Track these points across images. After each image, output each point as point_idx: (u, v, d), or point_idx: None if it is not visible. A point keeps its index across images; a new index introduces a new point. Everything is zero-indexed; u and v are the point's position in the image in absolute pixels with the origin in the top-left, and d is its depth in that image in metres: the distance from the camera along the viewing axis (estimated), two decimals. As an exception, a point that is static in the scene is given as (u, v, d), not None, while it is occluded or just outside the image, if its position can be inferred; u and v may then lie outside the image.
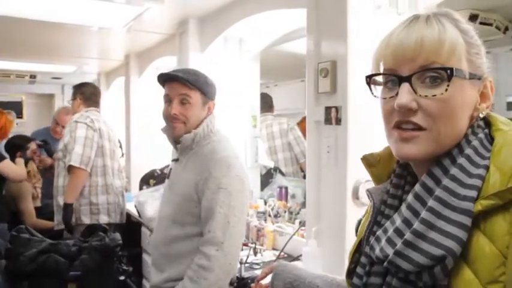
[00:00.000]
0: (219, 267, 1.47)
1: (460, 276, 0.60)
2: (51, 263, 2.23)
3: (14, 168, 3.03)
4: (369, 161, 0.80)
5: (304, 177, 3.05)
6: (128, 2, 2.54)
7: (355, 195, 1.64)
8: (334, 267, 1.65)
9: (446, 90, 0.63)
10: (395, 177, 0.75)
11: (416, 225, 0.63)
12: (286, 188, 2.64)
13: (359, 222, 0.88)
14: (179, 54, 3.00)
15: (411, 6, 1.72)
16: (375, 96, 0.71)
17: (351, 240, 1.59)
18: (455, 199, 0.62)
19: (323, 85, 1.73)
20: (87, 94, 3.04)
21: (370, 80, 0.71)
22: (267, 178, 2.95)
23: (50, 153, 3.53)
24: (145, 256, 3.11)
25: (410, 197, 0.67)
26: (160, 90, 1.68)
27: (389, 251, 0.64)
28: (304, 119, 3.36)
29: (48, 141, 3.67)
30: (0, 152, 3.06)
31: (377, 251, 0.67)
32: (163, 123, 1.69)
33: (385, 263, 0.65)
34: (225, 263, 1.48)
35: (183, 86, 1.59)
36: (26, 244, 2.28)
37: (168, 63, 3.47)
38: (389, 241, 0.66)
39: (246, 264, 1.97)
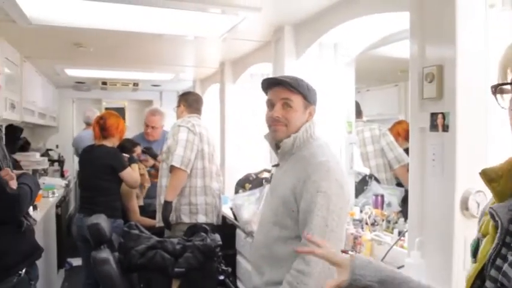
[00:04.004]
0: (318, 272, 1.44)
1: None
2: (158, 259, 2.38)
3: (134, 177, 3.26)
4: (490, 176, 0.73)
5: (398, 184, 2.95)
6: (224, 11, 2.56)
7: (464, 206, 1.55)
8: (439, 281, 1.57)
9: None
10: None
11: None
12: (382, 196, 2.57)
13: (476, 243, 0.78)
14: (274, 61, 3.04)
15: (528, 3, 1.60)
16: (502, 107, 0.66)
17: (459, 254, 1.54)
18: None
19: (428, 90, 1.66)
20: (189, 101, 3.23)
21: (496, 89, 0.66)
22: (361, 185, 2.88)
23: (154, 156, 3.77)
24: (239, 258, 3.20)
25: None
26: (255, 96, 1.72)
27: None
28: (395, 124, 3.25)
29: (148, 146, 3.95)
30: (123, 160, 3.26)
31: None
32: (257, 128, 1.73)
33: None
34: (324, 268, 1.44)
35: (286, 90, 1.62)
36: (136, 239, 2.47)
37: (262, 70, 3.54)
38: None
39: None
